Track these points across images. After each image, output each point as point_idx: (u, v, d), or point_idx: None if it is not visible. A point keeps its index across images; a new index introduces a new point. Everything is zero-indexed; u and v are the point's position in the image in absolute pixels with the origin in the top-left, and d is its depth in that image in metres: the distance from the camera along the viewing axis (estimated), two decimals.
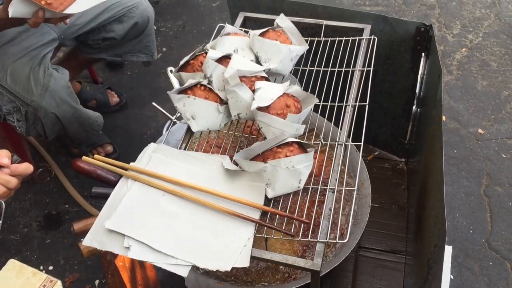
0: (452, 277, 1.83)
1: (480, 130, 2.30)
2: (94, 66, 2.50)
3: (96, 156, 1.28)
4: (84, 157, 1.29)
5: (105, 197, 1.32)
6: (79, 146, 2.19)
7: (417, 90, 1.88)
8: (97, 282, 1.87)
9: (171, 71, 2.00)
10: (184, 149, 1.34)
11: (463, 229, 1.96)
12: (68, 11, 1.41)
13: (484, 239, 1.93)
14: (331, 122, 1.50)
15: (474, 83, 2.52)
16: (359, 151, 1.31)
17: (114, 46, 2.05)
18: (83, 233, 1.27)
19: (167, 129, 2.13)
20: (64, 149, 2.27)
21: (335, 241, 1.14)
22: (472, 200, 2.05)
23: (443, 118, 2.31)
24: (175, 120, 1.47)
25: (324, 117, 1.53)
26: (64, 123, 1.77)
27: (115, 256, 1.70)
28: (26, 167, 1.16)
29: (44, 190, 2.16)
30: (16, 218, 2.08)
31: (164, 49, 2.77)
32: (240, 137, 1.44)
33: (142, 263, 1.53)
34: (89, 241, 1.14)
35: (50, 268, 1.92)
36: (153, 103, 1.92)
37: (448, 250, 1.19)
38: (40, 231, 2.04)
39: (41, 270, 1.91)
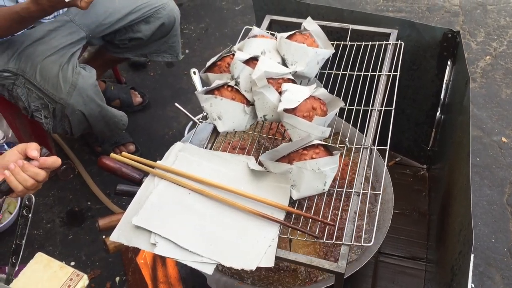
0: (473, 286, 1.80)
1: (503, 139, 2.28)
2: (118, 66, 2.54)
3: (123, 153, 1.29)
4: (112, 154, 1.31)
5: (130, 194, 1.34)
6: (102, 145, 2.22)
7: (441, 97, 1.87)
8: (117, 279, 1.89)
9: (194, 72, 2.03)
10: (210, 149, 1.35)
11: (485, 237, 1.94)
12: None
13: (507, 249, 1.91)
14: (356, 128, 1.50)
15: (498, 91, 2.50)
16: (382, 156, 1.31)
17: (140, 46, 2.08)
18: (108, 229, 1.29)
19: (188, 130, 2.16)
20: (88, 147, 2.31)
21: (360, 244, 1.14)
22: (495, 209, 2.03)
23: None
24: (201, 121, 1.47)
25: (349, 122, 1.54)
26: (90, 121, 1.80)
27: (136, 253, 1.73)
28: (55, 160, 1.19)
29: (67, 187, 2.19)
30: (40, 214, 2.11)
31: (187, 51, 2.80)
32: (263, 139, 1.45)
33: (164, 261, 1.54)
34: (116, 237, 1.16)
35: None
36: (176, 104, 1.94)
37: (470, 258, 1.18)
38: (62, 227, 2.07)
39: None
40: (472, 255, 1.21)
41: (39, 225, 2.07)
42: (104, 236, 1.21)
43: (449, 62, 1.75)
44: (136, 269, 1.76)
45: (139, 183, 1.30)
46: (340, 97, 1.41)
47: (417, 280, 1.82)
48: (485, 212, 2.02)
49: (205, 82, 1.48)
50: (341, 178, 1.47)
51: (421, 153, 2.12)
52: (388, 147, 1.29)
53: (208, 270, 1.09)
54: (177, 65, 2.71)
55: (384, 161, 1.34)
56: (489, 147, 2.25)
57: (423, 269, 1.84)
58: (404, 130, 2.07)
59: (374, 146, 1.31)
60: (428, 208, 2.01)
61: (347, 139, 1.39)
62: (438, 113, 1.93)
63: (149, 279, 1.63)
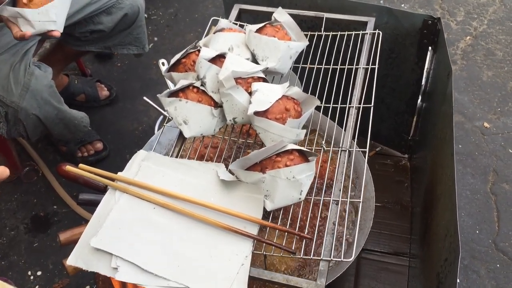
0: (458, 281, 1.76)
1: (486, 124, 2.22)
2: (82, 58, 2.39)
3: (80, 165, 1.18)
4: (68, 167, 1.19)
5: (93, 204, 1.24)
6: (68, 144, 2.09)
7: (422, 85, 1.79)
8: None
9: (163, 63, 1.90)
10: (176, 156, 1.24)
11: (469, 229, 1.89)
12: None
13: (491, 240, 1.85)
14: (334, 121, 1.40)
15: (479, 73, 2.43)
16: (362, 151, 1.22)
17: (102, 39, 1.95)
18: (70, 243, 1.20)
19: (159, 125, 2.04)
20: (52, 146, 2.17)
21: (339, 259, 1.06)
22: (478, 199, 1.97)
23: None
24: (165, 125, 1.35)
25: (327, 116, 1.44)
26: (47, 124, 1.67)
27: None
28: (2, 171, 1.07)
29: (31, 190, 2.07)
30: (2, 220, 1.99)
31: (155, 39, 2.66)
32: (237, 139, 1.34)
33: None
34: (74, 261, 1.06)
35: (39, 273, 1.83)
36: (145, 98, 1.82)
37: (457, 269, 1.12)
38: (27, 234, 1.95)
39: (29, 276, 1.84)
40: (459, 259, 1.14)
41: (2, 232, 1.95)
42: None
43: (429, 50, 1.66)
44: (106, 279, 1.67)
45: (103, 190, 1.20)
46: (316, 93, 1.31)
47: (400, 277, 1.76)
48: (469, 202, 1.96)
49: (174, 81, 1.36)
50: (320, 177, 1.38)
51: (402, 142, 2.04)
52: (368, 149, 1.21)
53: None
54: (145, 55, 2.54)
55: (365, 163, 1.25)
56: (471, 133, 2.18)
57: (406, 265, 1.78)
58: (384, 119, 1.99)
59: (353, 148, 1.22)
60: (411, 200, 1.95)
61: (324, 138, 1.30)
62: (419, 101, 1.85)
63: None
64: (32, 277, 1.83)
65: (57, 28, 1.41)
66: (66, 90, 2.20)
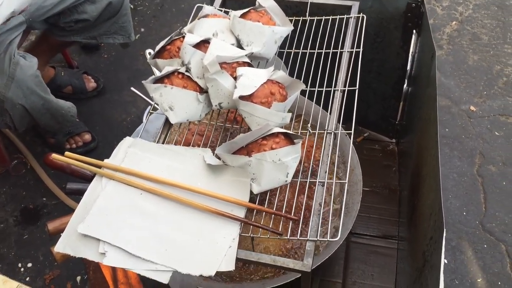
0: (446, 262, 1.78)
1: (472, 107, 2.24)
2: (69, 49, 2.38)
3: (67, 153, 1.18)
4: (53, 155, 1.19)
5: (81, 193, 1.23)
6: (55, 136, 2.09)
7: (408, 69, 1.80)
8: (78, 278, 1.79)
9: (149, 53, 1.89)
10: (163, 143, 1.25)
11: (456, 211, 1.91)
12: None
13: (478, 221, 1.88)
14: (320, 105, 1.41)
15: (465, 57, 2.44)
16: (350, 134, 1.23)
17: (87, 28, 1.93)
18: (59, 232, 1.19)
19: (147, 115, 2.03)
20: (40, 138, 2.17)
21: (326, 239, 1.07)
22: (465, 181, 1.99)
23: None
24: (151, 112, 1.36)
25: (312, 101, 1.45)
26: (33, 114, 1.66)
27: None
28: None
29: (20, 183, 2.06)
30: None
31: (142, 30, 2.65)
32: (223, 124, 1.35)
33: None
34: (61, 247, 1.06)
35: (29, 265, 1.83)
36: (132, 88, 1.81)
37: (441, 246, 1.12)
38: (17, 227, 1.95)
39: (20, 268, 1.84)
40: (444, 230, 1.15)
41: None
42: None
43: (414, 33, 1.67)
44: (97, 268, 1.67)
45: (91, 180, 1.20)
46: (301, 78, 1.32)
47: (389, 259, 1.78)
48: (456, 184, 1.98)
49: (159, 68, 1.36)
50: (306, 161, 1.39)
51: (389, 127, 2.06)
52: (353, 131, 1.22)
53: (163, 278, 1.01)
54: (132, 45, 2.54)
55: (350, 145, 1.26)
56: (457, 117, 2.20)
57: (395, 247, 1.80)
58: (371, 105, 2.00)
59: (338, 130, 1.23)
60: (399, 184, 1.97)
61: (310, 121, 1.30)
62: (405, 86, 1.86)
63: (110, 279, 1.54)
64: (22, 269, 1.83)
65: None
66: (52, 82, 2.19)
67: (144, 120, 1.88)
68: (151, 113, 1.35)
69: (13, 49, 1.61)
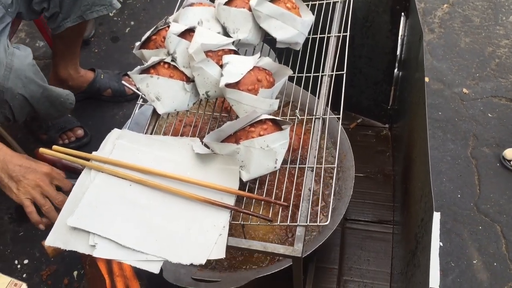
0: (441, 244, 1.78)
1: (464, 90, 2.23)
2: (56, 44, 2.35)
3: (54, 147, 1.18)
4: (41, 149, 1.19)
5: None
6: (48, 132, 2.08)
7: (398, 53, 1.79)
8: (75, 273, 1.79)
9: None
10: (151, 133, 1.24)
11: (450, 193, 1.91)
12: None
13: (473, 203, 1.88)
14: (308, 91, 1.40)
15: (457, 40, 2.43)
16: (338, 119, 1.23)
17: (71, 8, 1.86)
18: None
19: (139, 107, 2.02)
20: (32, 135, 2.16)
21: (316, 224, 1.06)
22: (459, 163, 1.99)
23: (426, 79, 2.24)
24: (143, 103, 1.35)
25: (301, 87, 1.44)
26: (33, 103, 1.65)
27: None
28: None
29: None
30: None
31: (132, 23, 2.63)
32: (211, 113, 1.34)
33: None
34: (52, 241, 1.06)
35: (26, 261, 1.83)
36: (123, 82, 1.80)
37: (436, 216, 1.12)
38: (12, 224, 1.94)
39: (16, 265, 1.84)
40: (439, 213, 1.14)
41: None
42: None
43: (402, 16, 1.66)
44: (93, 262, 1.67)
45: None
46: (289, 64, 1.31)
47: (385, 244, 1.78)
48: (450, 167, 1.98)
49: (145, 59, 1.35)
50: (296, 148, 1.39)
51: (382, 112, 2.05)
52: (341, 115, 1.21)
53: (154, 268, 1.01)
54: (123, 39, 2.55)
55: (339, 129, 1.25)
56: (450, 100, 2.20)
57: (390, 232, 1.80)
58: (363, 90, 1.99)
59: (327, 115, 1.22)
60: (393, 169, 1.96)
61: (298, 107, 1.30)
62: (395, 70, 1.85)
63: (105, 273, 1.54)
64: (19, 266, 1.83)
65: None
66: (92, 85, 2.24)
67: (135, 111, 1.88)
68: (142, 105, 1.34)
69: (5, 41, 1.59)
